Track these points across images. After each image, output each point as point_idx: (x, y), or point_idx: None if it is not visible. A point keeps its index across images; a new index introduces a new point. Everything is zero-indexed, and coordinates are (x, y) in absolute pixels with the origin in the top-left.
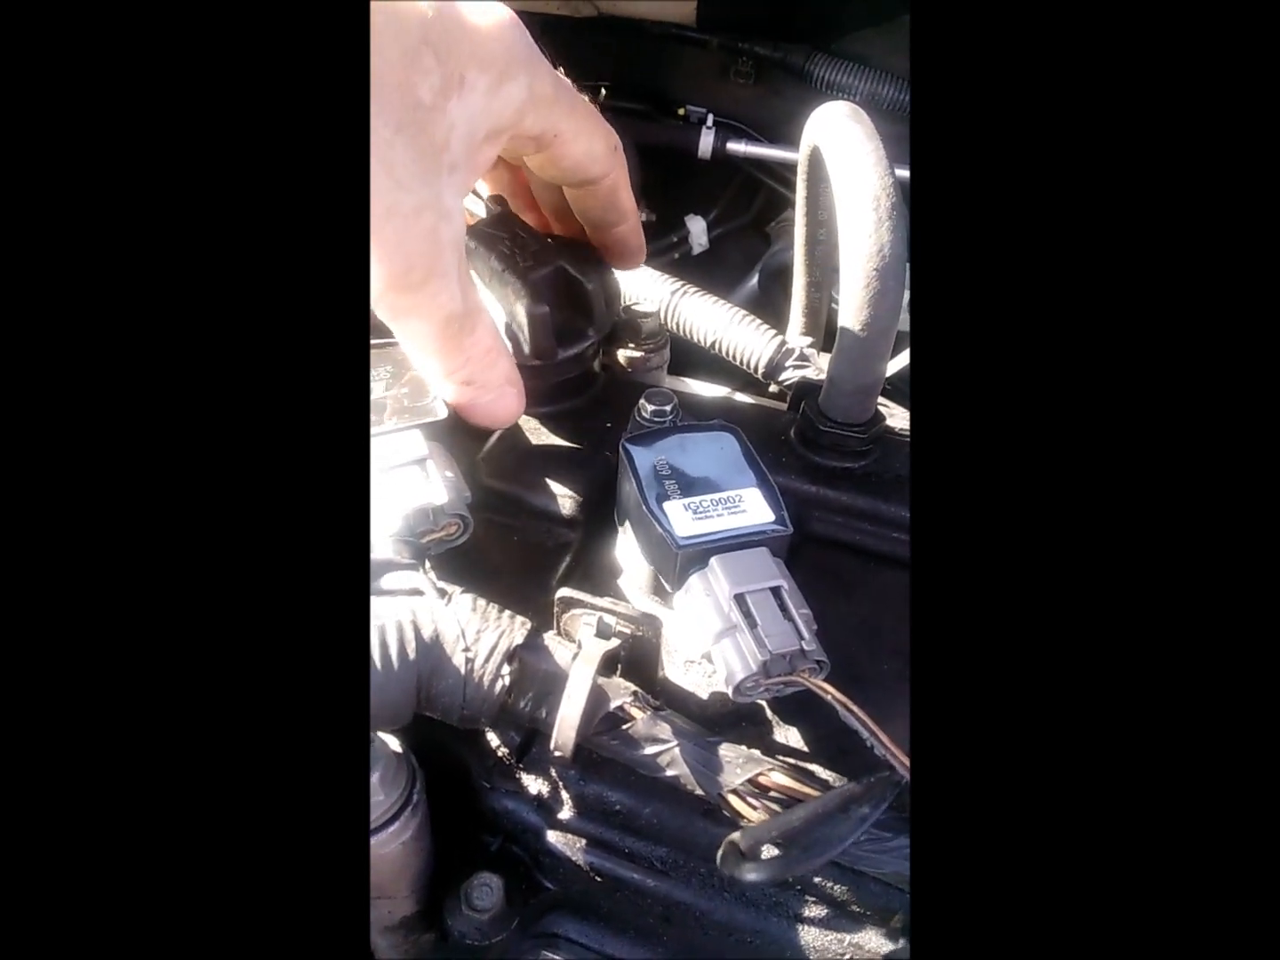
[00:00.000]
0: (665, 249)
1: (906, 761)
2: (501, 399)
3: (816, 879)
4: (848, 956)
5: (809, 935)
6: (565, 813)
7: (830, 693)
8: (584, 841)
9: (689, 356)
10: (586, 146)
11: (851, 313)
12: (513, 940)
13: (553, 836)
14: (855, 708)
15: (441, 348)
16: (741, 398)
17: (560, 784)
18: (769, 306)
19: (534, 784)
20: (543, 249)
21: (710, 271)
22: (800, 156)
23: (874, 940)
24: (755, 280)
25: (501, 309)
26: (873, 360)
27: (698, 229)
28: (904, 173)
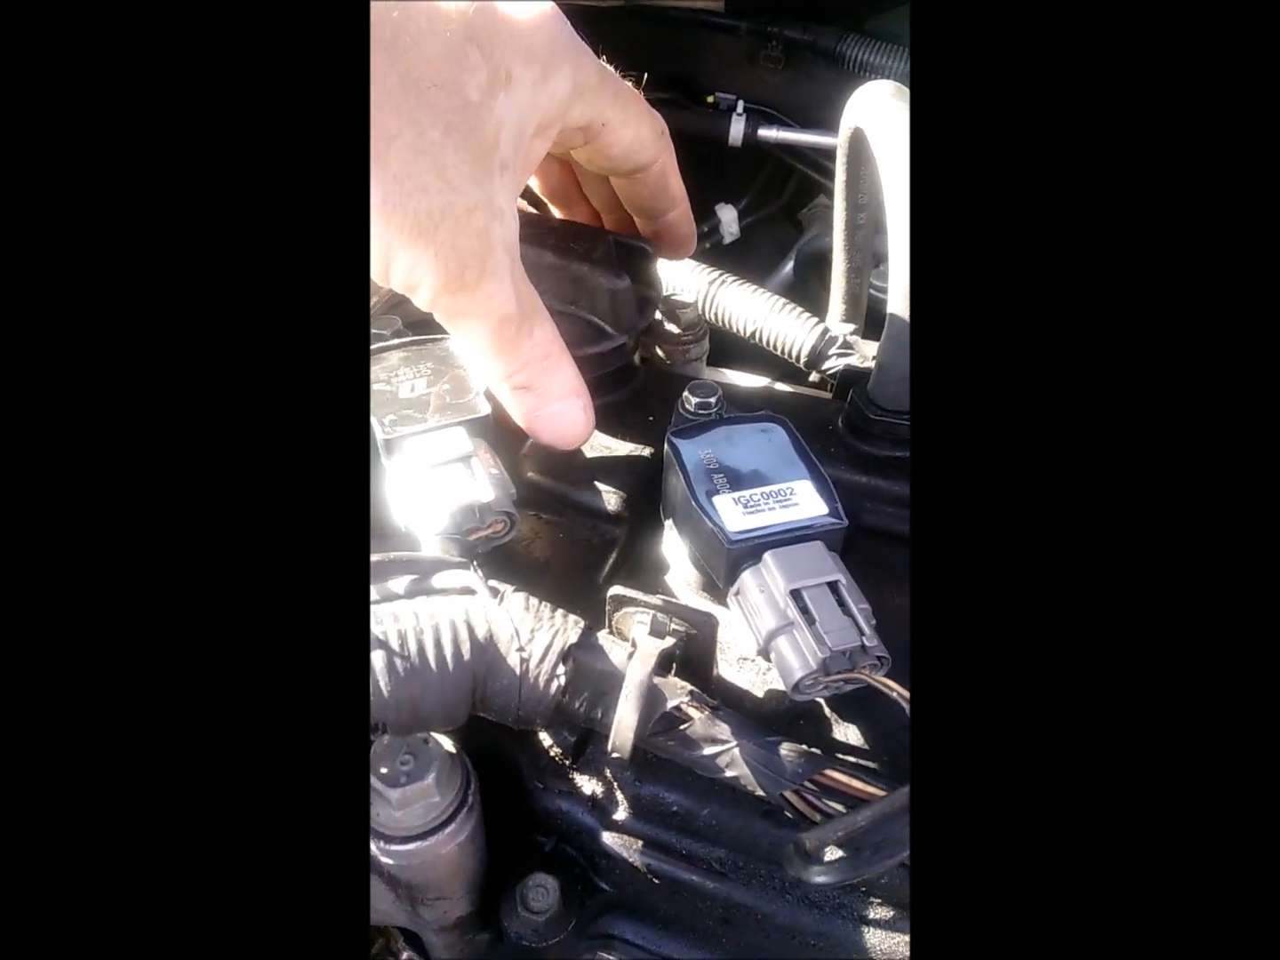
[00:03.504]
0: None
1: None
2: (567, 412)
3: (883, 879)
4: None
5: (874, 938)
6: (620, 814)
7: (894, 689)
8: (640, 843)
9: (726, 348)
10: (635, 133)
11: (901, 297)
12: (569, 942)
13: (608, 838)
14: None
15: (499, 349)
16: (782, 387)
17: (615, 785)
18: (804, 294)
19: (588, 784)
20: (587, 232)
21: (742, 260)
22: (840, 139)
23: None
24: (789, 268)
25: (565, 302)
26: None
27: (729, 218)
28: None
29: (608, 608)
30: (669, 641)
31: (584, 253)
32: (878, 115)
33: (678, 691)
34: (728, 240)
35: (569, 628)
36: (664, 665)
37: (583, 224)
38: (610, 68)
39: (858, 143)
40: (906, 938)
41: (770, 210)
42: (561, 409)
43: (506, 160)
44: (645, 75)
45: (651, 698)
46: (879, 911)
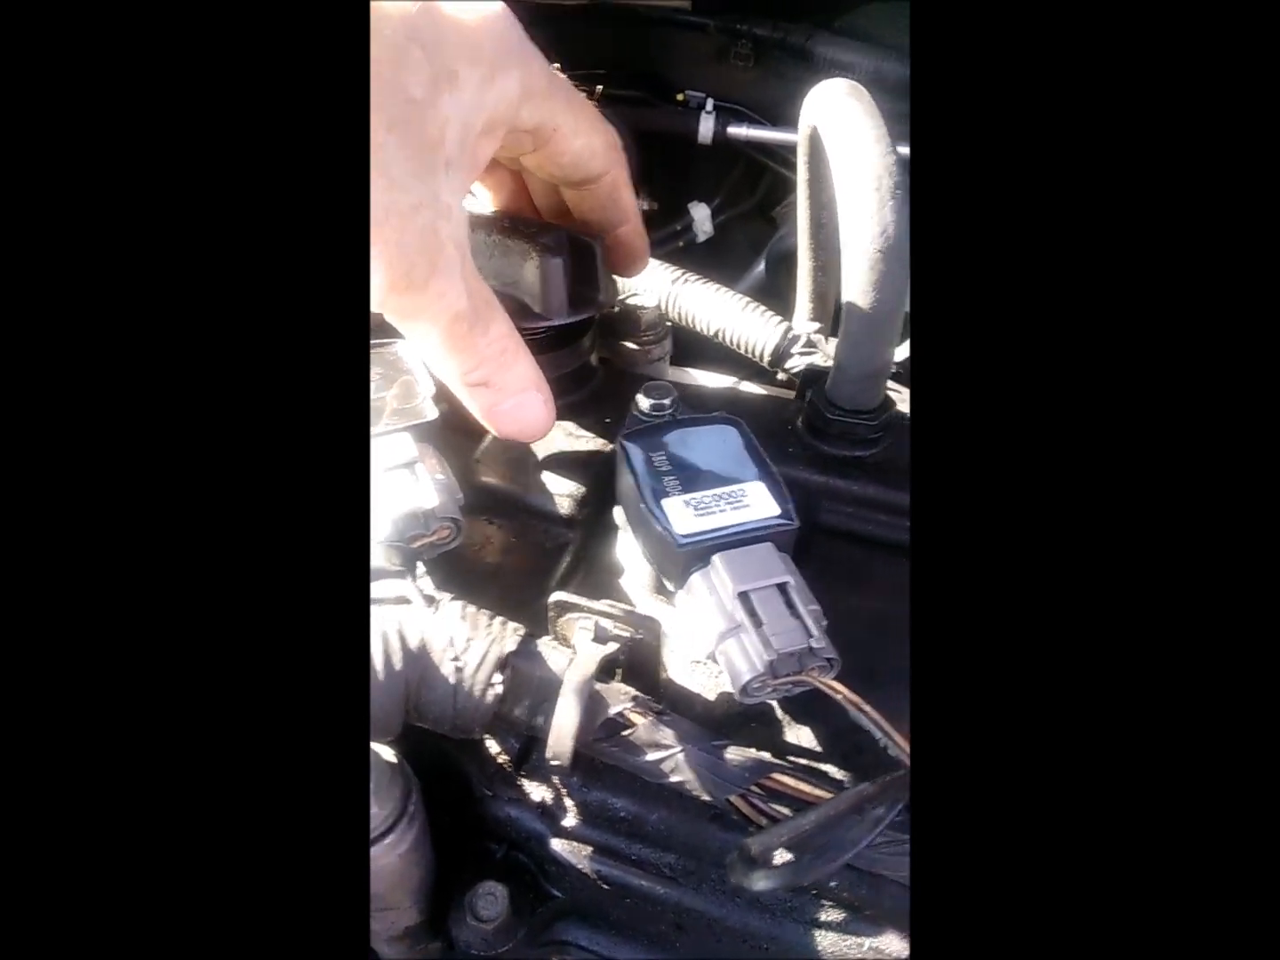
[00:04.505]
0: (669, 237)
1: None
2: (526, 406)
3: (833, 883)
4: None
5: (826, 940)
6: (570, 820)
7: (840, 692)
8: (590, 849)
9: (695, 347)
10: (586, 142)
11: (856, 297)
12: (520, 949)
13: (557, 844)
14: (866, 706)
15: (453, 347)
16: (749, 387)
17: (563, 791)
18: (776, 293)
19: (537, 791)
20: (540, 222)
21: (716, 259)
22: (800, 137)
23: (894, 944)
24: (762, 267)
25: (496, 279)
26: (880, 345)
27: (701, 216)
28: (904, 149)
29: (550, 614)
30: (611, 647)
31: (529, 234)
32: (831, 114)
33: (620, 697)
34: (701, 238)
35: (507, 635)
36: (607, 671)
37: (541, 220)
38: (562, 75)
39: (816, 141)
40: (858, 939)
41: (744, 208)
42: (520, 403)
43: (452, 158)
44: (610, 74)
45: (592, 704)
46: (830, 914)
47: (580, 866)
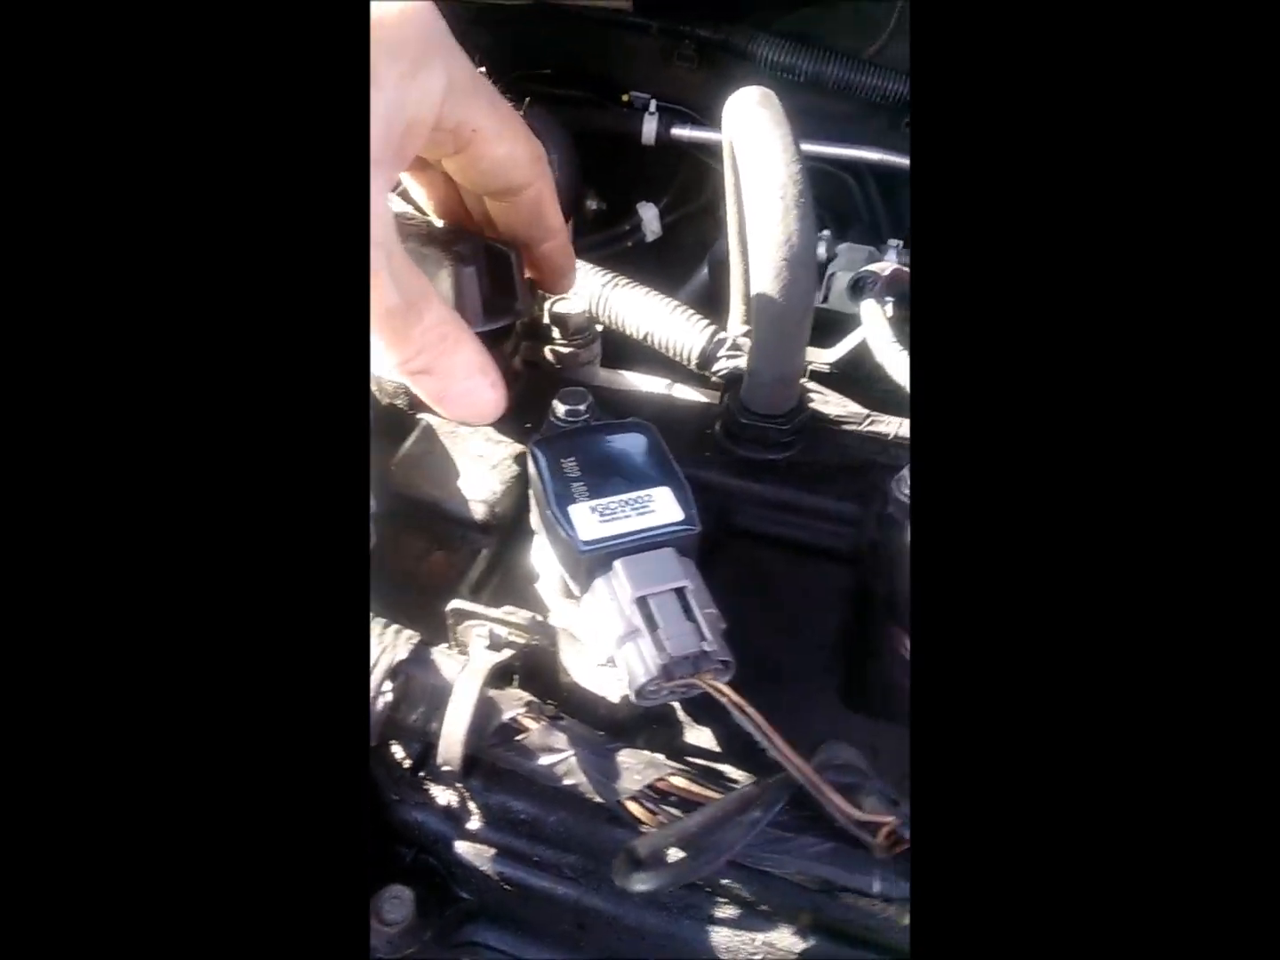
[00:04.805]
0: (618, 237)
1: (799, 762)
2: (474, 391)
3: (725, 880)
4: (759, 956)
5: (720, 936)
6: (473, 823)
7: (726, 695)
8: (493, 851)
9: (635, 349)
10: (509, 150)
11: (764, 304)
12: (429, 951)
13: (462, 847)
14: (750, 709)
15: (389, 341)
16: (682, 390)
17: (467, 795)
18: (719, 296)
19: (443, 795)
20: (460, 230)
21: (665, 258)
22: (724, 143)
23: (785, 939)
24: (706, 271)
25: None
26: (789, 351)
27: (649, 216)
28: (842, 150)
29: (449, 621)
30: (506, 654)
31: (445, 242)
32: (740, 124)
33: (514, 703)
34: (650, 238)
35: (399, 644)
36: (502, 677)
37: (459, 226)
38: (487, 79)
39: (734, 148)
40: (751, 935)
41: (692, 208)
42: (468, 388)
43: (375, 156)
44: (556, 74)
45: (484, 709)
46: (725, 911)
47: (484, 868)
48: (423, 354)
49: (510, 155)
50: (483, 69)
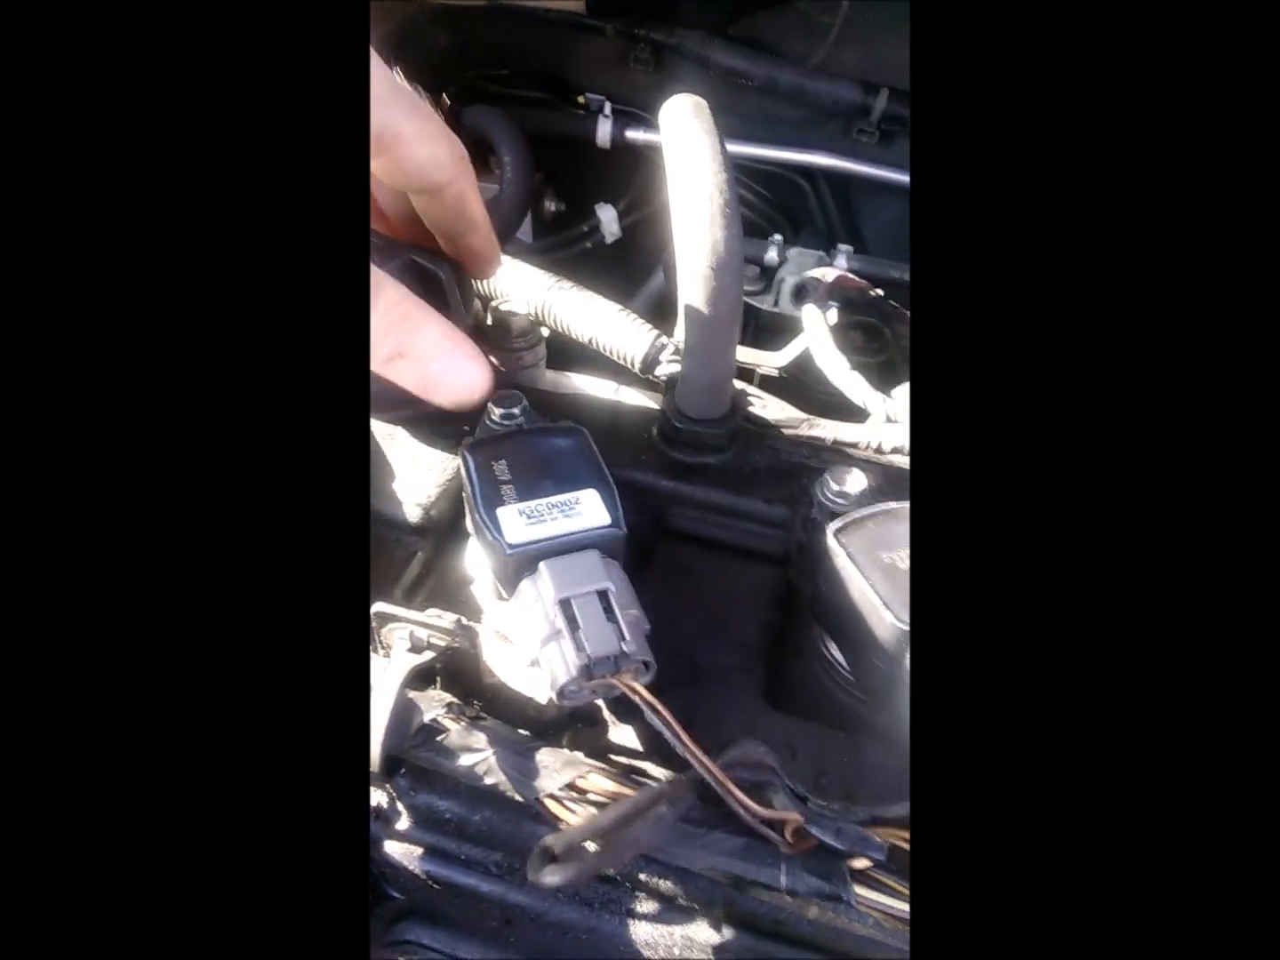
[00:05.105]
0: (577, 238)
1: (706, 761)
2: (453, 368)
3: (643, 876)
4: (678, 949)
5: (640, 930)
6: (402, 823)
7: (640, 694)
8: (421, 850)
9: (586, 352)
10: (430, 151)
11: (692, 310)
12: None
13: (390, 846)
14: (661, 709)
15: None
16: (628, 393)
17: (395, 795)
18: (674, 298)
19: (372, 795)
20: (388, 244)
21: (624, 260)
22: (665, 150)
23: (704, 932)
24: (662, 275)
25: None
26: (717, 356)
27: (608, 217)
28: (796, 155)
29: (374, 624)
30: (427, 656)
31: (376, 262)
32: (671, 132)
33: (434, 704)
34: (609, 240)
35: None
36: (424, 678)
37: (387, 238)
38: (408, 84)
39: None
40: (669, 929)
41: (651, 209)
42: (445, 366)
43: None
44: (513, 75)
45: (404, 711)
46: (645, 905)
47: (412, 867)
48: (389, 335)
49: (432, 156)
50: (398, 69)
